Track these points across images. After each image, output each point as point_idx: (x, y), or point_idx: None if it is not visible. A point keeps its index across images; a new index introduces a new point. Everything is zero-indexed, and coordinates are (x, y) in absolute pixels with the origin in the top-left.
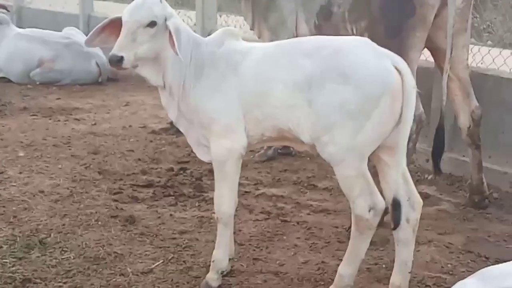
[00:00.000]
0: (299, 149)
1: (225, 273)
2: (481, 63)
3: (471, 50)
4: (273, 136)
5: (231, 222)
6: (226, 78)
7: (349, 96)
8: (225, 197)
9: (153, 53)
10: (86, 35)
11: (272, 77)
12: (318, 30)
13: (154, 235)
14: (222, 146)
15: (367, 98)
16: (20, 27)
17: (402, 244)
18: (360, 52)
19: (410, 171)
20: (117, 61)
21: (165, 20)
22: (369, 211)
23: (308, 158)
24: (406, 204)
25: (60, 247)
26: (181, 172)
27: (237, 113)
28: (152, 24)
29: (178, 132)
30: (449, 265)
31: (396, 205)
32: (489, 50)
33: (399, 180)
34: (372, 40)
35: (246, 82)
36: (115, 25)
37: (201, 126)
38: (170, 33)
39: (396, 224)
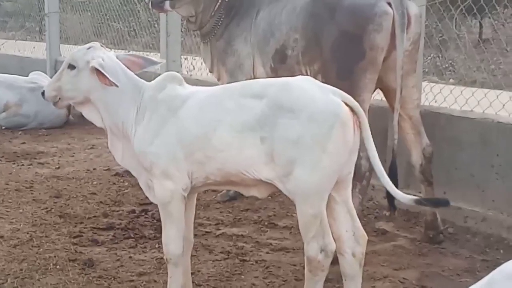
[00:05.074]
0: (246, 194)
1: None
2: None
3: (430, 90)
4: (219, 179)
5: (181, 262)
6: (167, 122)
7: (303, 129)
8: (172, 238)
9: (78, 94)
10: None
11: (216, 120)
12: (275, 73)
13: (112, 278)
14: (164, 188)
15: (320, 129)
16: None
17: (349, 278)
18: (306, 87)
19: (368, 208)
20: (42, 93)
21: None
22: (321, 252)
23: (270, 197)
24: (352, 239)
25: None
26: (143, 213)
27: (177, 157)
28: (71, 67)
29: None
30: None
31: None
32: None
33: (347, 215)
34: (325, 81)
35: (187, 125)
36: None
37: (145, 169)
38: (97, 73)
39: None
